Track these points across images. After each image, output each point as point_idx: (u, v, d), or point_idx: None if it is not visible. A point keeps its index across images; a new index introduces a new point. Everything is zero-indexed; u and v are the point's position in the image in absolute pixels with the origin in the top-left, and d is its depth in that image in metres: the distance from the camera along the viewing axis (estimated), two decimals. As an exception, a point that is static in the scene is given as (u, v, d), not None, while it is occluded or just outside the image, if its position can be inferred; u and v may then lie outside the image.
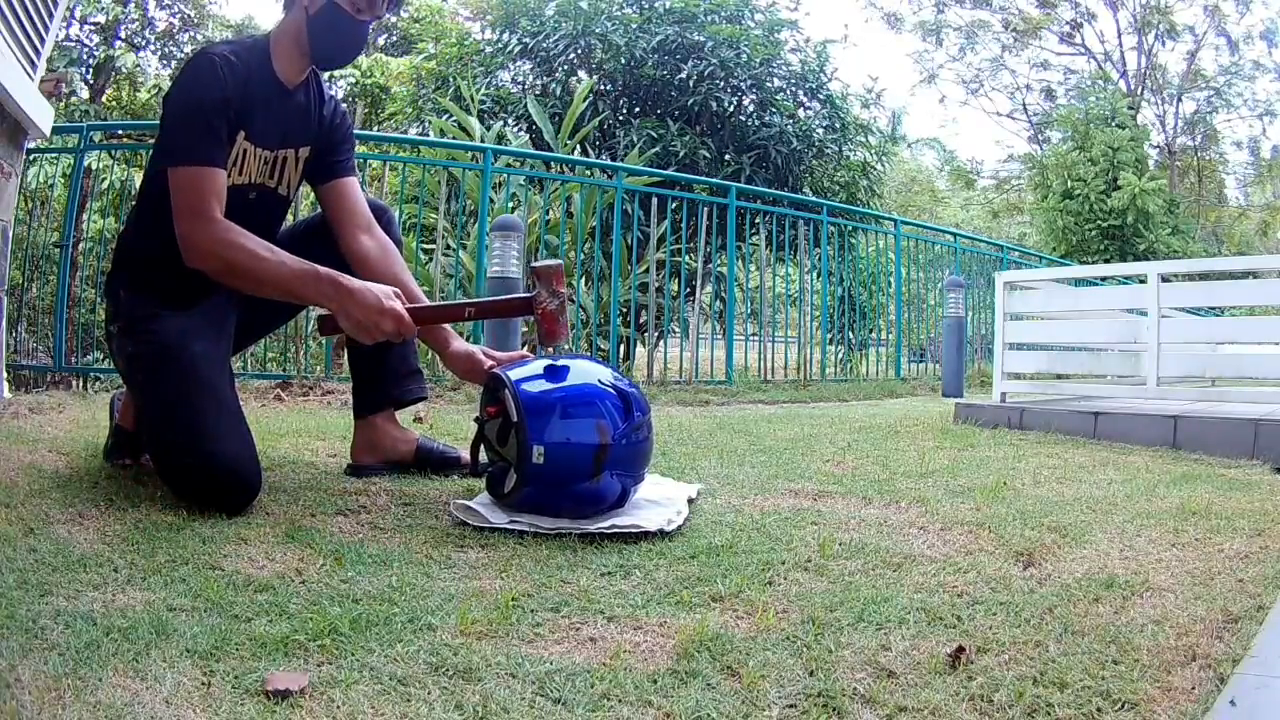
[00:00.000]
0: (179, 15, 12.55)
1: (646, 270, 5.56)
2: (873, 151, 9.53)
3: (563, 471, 1.63)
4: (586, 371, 1.76)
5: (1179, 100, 19.77)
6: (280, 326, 2.70)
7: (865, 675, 1.06)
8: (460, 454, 2.11)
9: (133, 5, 12.00)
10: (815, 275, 6.57)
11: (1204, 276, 3.96)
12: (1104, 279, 7.28)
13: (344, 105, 2.04)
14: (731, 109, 8.04)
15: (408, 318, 1.68)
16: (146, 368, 1.76)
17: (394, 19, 12.72)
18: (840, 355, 7.32)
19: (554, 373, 1.70)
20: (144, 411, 1.80)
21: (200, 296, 1.83)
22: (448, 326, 1.93)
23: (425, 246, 5.23)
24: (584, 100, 6.62)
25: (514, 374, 1.70)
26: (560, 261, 1.82)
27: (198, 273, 1.72)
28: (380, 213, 2.03)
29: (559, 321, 1.74)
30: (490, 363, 1.88)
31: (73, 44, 10.95)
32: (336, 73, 11.12)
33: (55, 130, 3.73)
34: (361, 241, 1.91)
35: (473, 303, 1.92)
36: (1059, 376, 4.50)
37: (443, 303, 1.80)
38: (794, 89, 8.69)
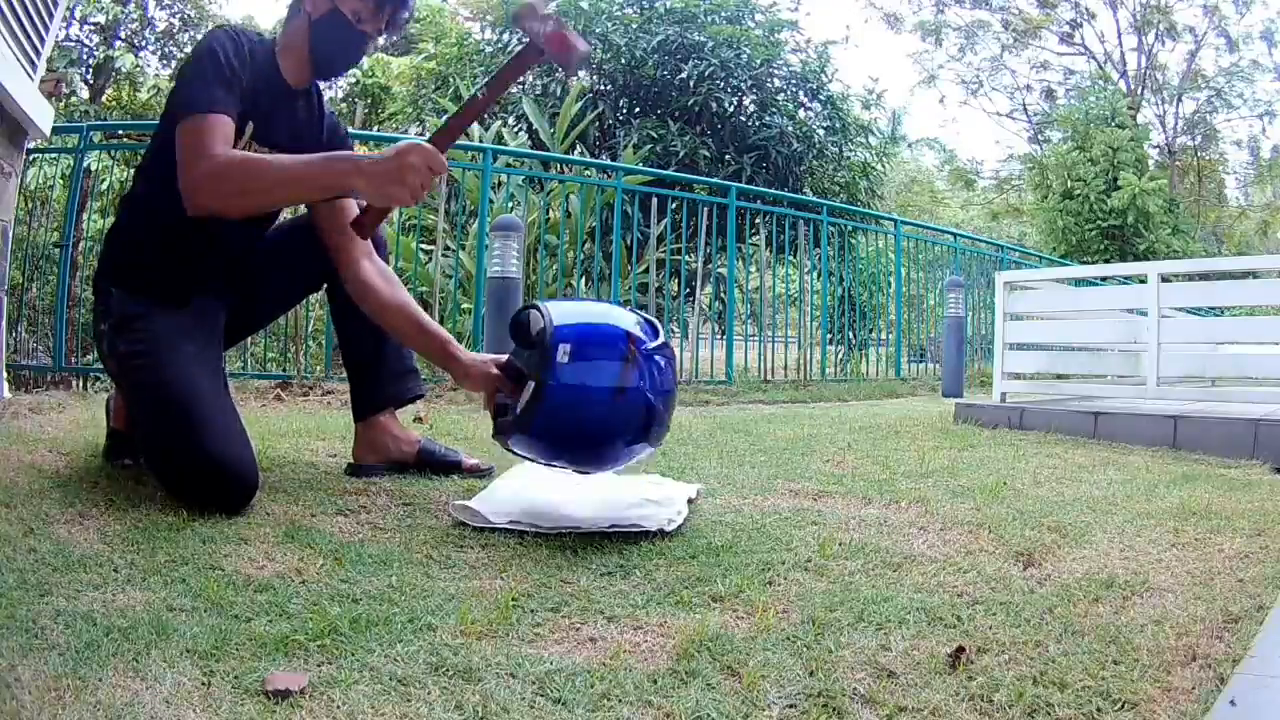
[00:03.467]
0: (179, 15, 12.54)
1: (646, 270, 5.56)
2: (873, 152, 9.53)
3: (588, 380, 1.56)
4: (617, 315, 1.73)
5: (1179, 100, 19.76)
6: (272, 322, 2.69)
7: (865, 675, 1.06)
8: (461, 457, 2.11)
9: (133, 5, 11.99)
10: (815, 275, 6.57)
11: (1204, 276, 3.96)
12: (1104, 279, 7.28)
13: (344, 125, 2.03)
14: (732, 109, 8.04)
15: (430, 148, 1.56)
16: (138, 367, 1.75)
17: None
18: (840, 355, 7.31)
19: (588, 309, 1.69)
20: (136, 412, 1.78)
21: (191, 295, 1.82)
22: (451, 343, 1.87)
23: (425, 247, 5.23)
24: (577, 101, 6.63)
25: (550, 307, 1.65)
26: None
27: (189, 270, 1.72)
28: None
29: (567, 39, 1.59)
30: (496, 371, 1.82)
31: (73, 44, 10.93)
32: (337, 72, 11.10)
33: (55, 130, 3.73)
34: (365, 267, 1.89)
35: (482, 89, 1.74)
36: (1059, 376, 4.50)
37: (454, 112, 1.70)
38: (794, 89, 8.70)
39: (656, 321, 1.69)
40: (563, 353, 1.54)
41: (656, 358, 1.61)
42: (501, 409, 1.70)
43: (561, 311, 1.62)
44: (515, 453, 1.69)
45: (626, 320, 1.66)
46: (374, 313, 1.91)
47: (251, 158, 1.63)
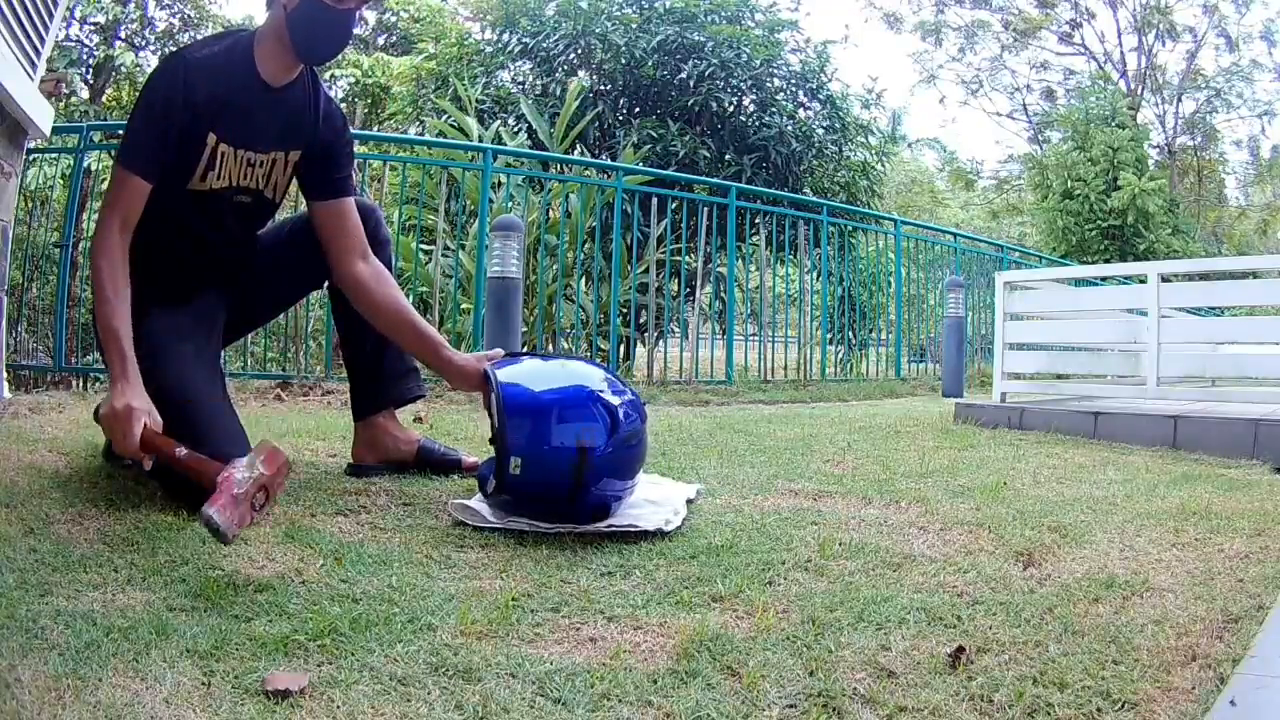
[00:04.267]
0: (179, 15, 12.53)
1: (646, 270, 5.56)
2: (873, 152, 9.52)
3: (540, 487, 1.61)
4: (578, 374, 1.75)
5: (1179, 100, 19.75)
6: (273, 320, 2.69)
7: (865, 675, 1.06)
8: (461, 456, 2.11)
9: (133, 5, 11.99)
10: (815, 275, 6.57)
11: (1204, 276, 3.96)
12: (1104, 279, 7.28)
13: (345, 119, 2.01)
14: (732, 109, 8.04)
15: (134, 431, 1.47)
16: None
17: (392, 17, 12.71)
18: (840, 355, 7.31)
19: (544, 373, 1.69)
20: None
21: (191, 294, 1.82)
22: (444, 345, 1.89)
23: (425, 247, 5.23)
24: (575, 100, 6.63)
25: (502, 374, 1.69)
26: (284, 456, 1.47)
27: (187, 269, 1.71)
28: (368, 213, 2.02)
29: (222, 491, 1.33)
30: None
31: (73, 44, 10.92)
32: (337, 72, 11.12)
33: (55, 130, 3.73)
34: (358, 267, 1.90)
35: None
36: (1059, 376, 4.50)
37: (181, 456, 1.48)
38: (794, 89, 8.69)
39: (621, 395, 1.67)
40: (514, 465, 1.59)
41: (612, 454, 1.61)
42: (482, 483, 1.76)
43: (517, 417, 1.62)
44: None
45: (585, 425, 1.62)
46: (366, 312, 1.91)
47: (102, 277, 1.62)
